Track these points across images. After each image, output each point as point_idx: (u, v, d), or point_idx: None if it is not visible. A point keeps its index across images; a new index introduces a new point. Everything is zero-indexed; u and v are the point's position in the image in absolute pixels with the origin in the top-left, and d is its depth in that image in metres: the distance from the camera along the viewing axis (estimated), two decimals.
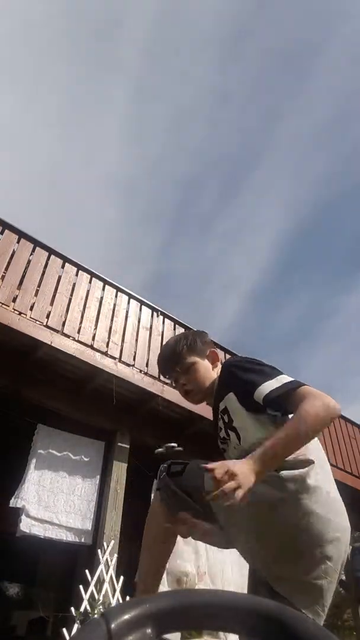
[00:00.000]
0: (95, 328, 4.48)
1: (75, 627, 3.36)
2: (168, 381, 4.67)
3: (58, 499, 3.94)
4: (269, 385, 1.09)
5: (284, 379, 1.11)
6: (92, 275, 4.75)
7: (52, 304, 4.24)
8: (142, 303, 5.11)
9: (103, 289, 4.80)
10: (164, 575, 4.19)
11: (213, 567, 4.57)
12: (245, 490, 0.93)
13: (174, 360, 1.35)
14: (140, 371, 4.61)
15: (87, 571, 3.72)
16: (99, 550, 3.87)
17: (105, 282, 4.84)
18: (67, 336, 4.13)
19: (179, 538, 1.28)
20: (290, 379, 1.11)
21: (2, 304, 3.86)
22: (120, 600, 3.69)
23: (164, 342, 5.02)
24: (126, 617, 0.31)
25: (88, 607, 3.49)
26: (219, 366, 1.37)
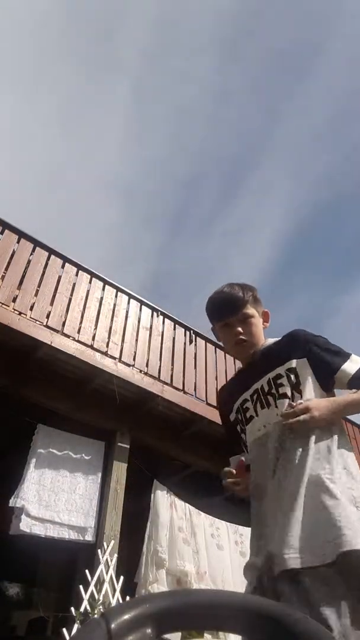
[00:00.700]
0: (95, 328, 4.48)
1: (75, 627, 3.36)
2: (167, 382, 4.70)
3: (59, 497, 3.94)
4: (351, 367, 1.20)
5: (357, 358, 1.22)
6: (92, 275, 4.75)
7: (52, 304, 4.24)
8: (142, 303, 5.12)
9: (103, 289, 4.80)
10: (164, 576, 4.21)
11: (213, 567, 4.58)
12: (313, 414, 1.11)
13: (238, 305, 1.32)
14: (140, 371, 4.61)
15: (87, 571, 3.72)
16: (99, 550, 3.87)
17: (105, 282, 4.84)
18: (67, 336, 4.13)
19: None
20: None
21: (2, 304, 3.86)
22: (120, 600, 3.69)
23: (164, 341, 5.06)
24: (126, 617, 0.31)
25: (88, 607, 3.49)
26: (267, 327, 1.40)
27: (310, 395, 1.20)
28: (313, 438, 1.13)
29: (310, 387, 1.21)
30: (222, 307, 1.35)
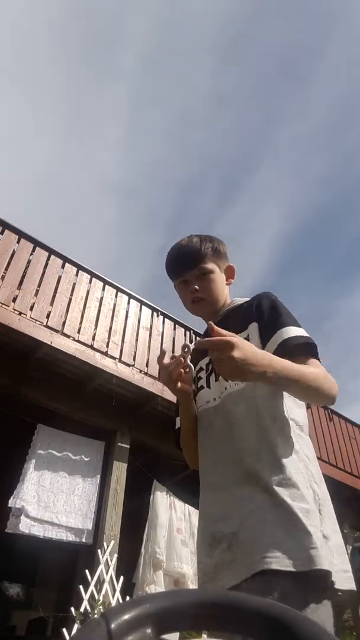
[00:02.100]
0: (95, 328, 4.48)
1: (75, 627, 3.36)
2: None
3: (58, 499, 3.94)
4: (294, 331, 1.01)
5: (307, 334, 1.03)
6: (92, 275, 4.76)
7: (52, 304, 4.24)
8: (142, 303, 5.12)
9: (103, 289, 4.81)
10: (162, 577, 4.21)
11: None
12: (242, 361, 0.85)
13: (194, 260, 1.17)
14: (140, 371, 4.62)
15: (87, 571, 3.72)
16: (99, 550, 3.87)
17: (105, 282, 4.84)
18: (67, 336, 4.13)
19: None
20: (312, 340, 1.03)
21: (2, 304, 3.86)
22: (120, 600, 3.69)
23: (164, 341, 5.06)
24: (126, 617, 0.31)
25: (88, 607, 3.49)
26: (231, 283, 1.25)
27: None
28: (259, 411, 0.98)
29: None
30: (177, 262, 1.21)
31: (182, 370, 1.05)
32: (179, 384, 1.07)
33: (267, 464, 0.94)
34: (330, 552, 0.87)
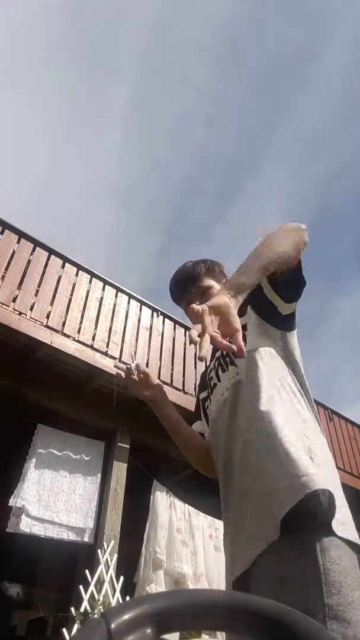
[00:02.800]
0: (95, 328, 4.48)
1: (75, 627, 3.36)
2: (167, 382, 4.70)
3: (59, 498, 3.94)
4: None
5: None
6: (92, 275, 4.76)
7: (52, 304, 4.24)
8: (142, 303, 5.12)
9: (103, 289, 4.81)
10: (162, 577, 4.21)
11: (210, 569, 4.58)
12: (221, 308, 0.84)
13: (190, 281, 1.28)
14: None
15: (87, 571, 3.72)
16: (99, 550, 3.87)
17: (105, 282, 4.84)
18: (67, 336, 4.13)
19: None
20: None
21: (2, 304, 3.86)
22: (120, 600, 3.69)
23: (164, 341, 5.06)
24: (126, 617, 0.31)
25: (88, 607, 3.49)
26: None
27: (252, 341, 1.05)
28: (264, 389, 0.99)
29: (253, 332, 1.07)
30: (176, 287, 1.32)
31: (134, 376, 1.14)
32: (139, 390, 1.17)
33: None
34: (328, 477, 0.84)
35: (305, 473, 0.82)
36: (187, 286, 1.28)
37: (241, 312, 1.08)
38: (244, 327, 1.06)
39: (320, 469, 0.86)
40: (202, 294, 1.25)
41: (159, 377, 4.67)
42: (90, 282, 4.71)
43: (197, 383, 1.39)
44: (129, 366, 1.17)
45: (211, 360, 1.24)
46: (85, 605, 3.50)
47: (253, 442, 0.95)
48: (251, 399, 0.99)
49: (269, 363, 1.04)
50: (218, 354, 1.19)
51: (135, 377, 1.18)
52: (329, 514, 0.80)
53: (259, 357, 1.04)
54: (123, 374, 1.16)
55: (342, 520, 0.82)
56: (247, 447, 0.97)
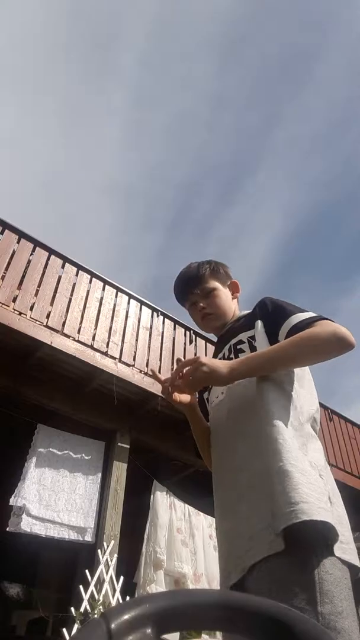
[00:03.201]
0: (95, 328, 4.48)
1: (75, 627, 3.36)
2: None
3: (59, 497, 3.95)
4: (301, 316, 1.04)
5: (311, 313, 1.06)
6: (92, 275, 4.75)
7: (52, 304, 4.24)
8: (142, 303, 5.12)
9: (103, 289, 4.80)
10: (162, 577, 4.21)
11: (210, 569, 4.58)
12: (210, 368, 1.00)
13: (195, 282, 1.29)
14: (140, 371, 4.62)
15: (87, 571, 3.72)
16: (99, 550, 3.87)
17: (105, 282, 4.84)
18: (67, 336, 4.13)
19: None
20: (320, 314, 1.05)
21: (2, 304, 3.86)
22: (120, 600, 3.69)
23: (164, 341, 5.06)
24: (126, 617, 0.31)
25: (88, 607, 3.49)
26: (238, 298, 1.35)
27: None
28: (265, 394, 1.00)
29: (262, 340, 1.09)
30: (181, 288, 1.33)
31: (177, 382, 1.10)
32: (178, 397, 1.14)
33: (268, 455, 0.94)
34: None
35: (308, 500, 0.83)
36: (191, 287, 1.29)
37: (249, 326, 1.16)
38: (252, 338, 1.12)
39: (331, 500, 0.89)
40: (206, 296, 1.28)
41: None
42: (90, 282, 4.71)
43: None
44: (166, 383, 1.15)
45: (217, 353, 1.27)
46: (85, 605, 3.50)
47: (257, 447, 0.96)
48: (257, 406, 1.00)
49: (272, 377, 1.04)
50: (220, 355, 1.22)
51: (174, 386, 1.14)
52: (332, 538, 0.83)
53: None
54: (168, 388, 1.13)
55: (342, 540, 0.85)
56: (250, 450, 0.98)
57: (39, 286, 4.24)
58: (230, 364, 1.02)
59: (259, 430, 0.96)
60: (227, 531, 0.98)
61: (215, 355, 1.26)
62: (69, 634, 3.28)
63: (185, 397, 1.16)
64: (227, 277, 1.34)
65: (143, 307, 5.11)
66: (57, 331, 4.07)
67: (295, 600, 0.76)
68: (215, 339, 1.36)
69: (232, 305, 1.32)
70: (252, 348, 1.10)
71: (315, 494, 0.85)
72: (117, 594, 3.74)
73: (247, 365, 1.02)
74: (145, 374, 4.63)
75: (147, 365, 4.71)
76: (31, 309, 4.07)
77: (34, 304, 4.11)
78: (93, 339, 4.40)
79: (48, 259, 4.46)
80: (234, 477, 1.00)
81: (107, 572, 3.76)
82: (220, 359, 1.18)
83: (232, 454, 1.02)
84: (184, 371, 1.05)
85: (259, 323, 1.12)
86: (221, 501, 1.05)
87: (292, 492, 0.83)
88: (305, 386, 1.08)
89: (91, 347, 4.29)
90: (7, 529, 3.73)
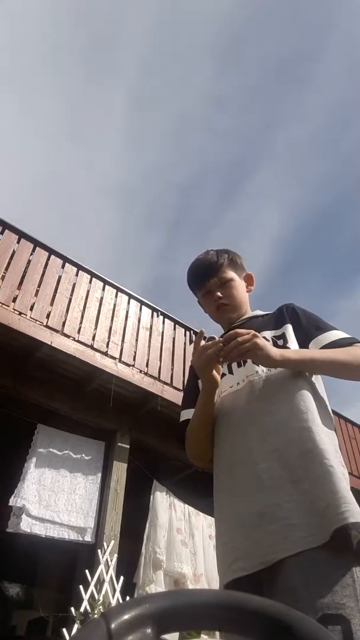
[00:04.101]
0: (95, 328, 4.48)
1: (75, 627, 3.36)
2: (167, 382, 4.71)
3: (59, 497, 3.94)
4: (340, 334, 1.10)
5: (340, 332, 1.12)
6: (92, 275, 4.75)
7: (52, 304, 4.24)
8: (142, 303, 5.12)
9: (103, 289, 4.80)
10: (162, 577, 4.21)
11: (209, 570, 4.58)
12: (264, 344, 0.99)
13: (212, 270, 1.25)
14: (140, 371, 4.62)
15: (87, 571, 3.72)
16: (99, 550, 3.87)
17: (105, 282, 4.84)
18: (67, 336, 4.13)
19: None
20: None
21: (2, 304, 3.86)
22: (120, 600, 3.69)
23: (164, 341, 5.06)
24: (126, 617, 0.31)
25: (88, 607, 3.49)
26: (251, 291, 1.33)
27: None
28: (292, 388, 1.03)
29: (292, 342, 1.11)
30: (198, 275, 1.29)
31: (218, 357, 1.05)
32: (213, 371, 1.07)
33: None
34: None
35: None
36: (208, 275, 1.26)
37: (274, 326, 1.17)
38: (278, 338, 1.13)
39: None
40: (224, 285, 1.25)
41: (158, 377, 4.67)
42: (90, 282, 4.71)
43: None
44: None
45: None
46: (85, 605, 3.50)
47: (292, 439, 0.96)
48: (294, 399, 1.01)
49: (301, 377, 1.07)
50: (276, 333, 1.19)
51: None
52: None
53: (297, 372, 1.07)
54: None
55: None
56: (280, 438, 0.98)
57: (39, 286, 4.24)
58: (282, 350, 1.03)
59: (296, 423, 0.97)
60: (247, 515, 0.94)
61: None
62: (69, 634, 3.28)
63: (217, 373, 1.09)
64: (243, 269, 1.32)
65: (143, 307, 5.11)
66: (57, 331, 4.07)
67: (335, 597, 0.77)
68: (212, 332, 1.33)
69: (246, 299, 1.30)
70: (277, 346, 1.10)
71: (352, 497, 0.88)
72: (117, 594, 3.74)
73: (299, 356, 1.04)
74: (146, 374, 4.64)
75: (147, 366, 4.71)
76: (31, 309, 4.07)
77: (34, 304, 4.11)
78: (93, 339, 4.40)
79: (48, 259, 4.46)
80: (256, 463, 0.97)
81: (107, 572, 3.76)
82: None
83: (252, 439, 1.00)
84: (237, 341, 1.00)
85: (289, 327, 1.14)
86: (234, 484, 1.01)
87: (344, 493, 0.86)
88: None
89: (91, 347, 4.29)
90: (7, 530, 3.73)
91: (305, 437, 0.94)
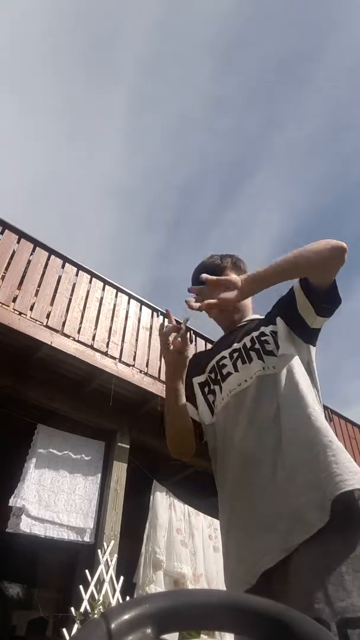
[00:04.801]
0: (95, 328, 4.48)
1: (75, 627, 3.36)
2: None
3: (59, 498, 3.94)
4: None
5: None
6: (92, 275, 4.75)
7: (52, 304, 4.24)
8: (142, 303, 5.12)
9: (103, 289, 4.80)
10: (162, 577, 4.21)
11: (209, 570, 4.58)
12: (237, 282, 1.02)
13: (217, 272, 1.27)
14: (140, 371, 4.62)
15: (87, 571, 3.72)
16: (99, 550, 3.87)
17: (105, 282, 4.84)
18: (67, 336, 4.13)
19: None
20: None
21: (2, 304, 3.86)
22: (120, 600, 3.69)
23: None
24: (126, 617, 0.31)
25: (88, 607, 3.49)
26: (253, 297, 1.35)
27: (284, 347, 1.12)
28: (292, 382, 1.06)
29: (283, 339, 1.13)
30: (202, 272, 1.24)
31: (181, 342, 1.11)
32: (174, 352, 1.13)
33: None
34: None
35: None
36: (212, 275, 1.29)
37: (268, 321, 1.19)
38: (275, 334, 1.15)
39: None
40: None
41: (158, 377, 4.67)
42: (90, 282, 4.71)
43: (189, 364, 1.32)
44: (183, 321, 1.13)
45: (223, 348, 1.24)
46: (85, 605, 3.50)
47: (295, 430, 0.98)
48: (293, 398, 1.03)
49: (300, 369, 1.09)
50: (239, 345, 1.20)
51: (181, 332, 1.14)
52: None
53: (296, 362, 1.09)
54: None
55: None
56: (285, 436, 0.99)
57: (39, 286, 4.24)
58: (242, 283, 1.04)
59: (299, 416, 0.99)
60: (258, 512, 0.94)
61: (223, 347, 1.25)
62: (69, 634, 3.28)
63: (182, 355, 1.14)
64: (245, 272, 1.33)
65: (143, 307, 5.11)
66: (57, 331, 4.07)
67: (353, 598, 0.75)
68: (210, 336, 1.35)
69: (249, 302, 1.34)
70: (276, 342, 1.13)
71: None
72: (117, 594, 3.74)
73: (264, 272, 1.05)
74: (146, 374, 4.63)
75: (147, 366, 4.71)
76: (31, 309, 4.07)
77: (34, 304, 4.11)
78: (93, 339, 4.40)
79: (48, 259, 4.46)
80: (259, 459, 0.98)
81: (107, 572, 3.76)
82: (240, 348, 1.19)
83: (257, 436, 1.02)
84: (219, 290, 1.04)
85: (280, 320, 1.16)
86: (243, 481, 1.01)
87: (347, 463, 0.88)
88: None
89: (91, 347, 4.29)
90: (7, 530, 3.73)
91: (310, 434, 0.96)
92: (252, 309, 1.36)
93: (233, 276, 1.08)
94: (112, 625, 0.31)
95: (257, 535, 0.92)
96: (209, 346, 5.48)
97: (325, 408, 6.66)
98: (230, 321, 1.32)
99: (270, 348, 1.13)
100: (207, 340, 5.46)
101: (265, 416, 1.04)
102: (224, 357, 1.22)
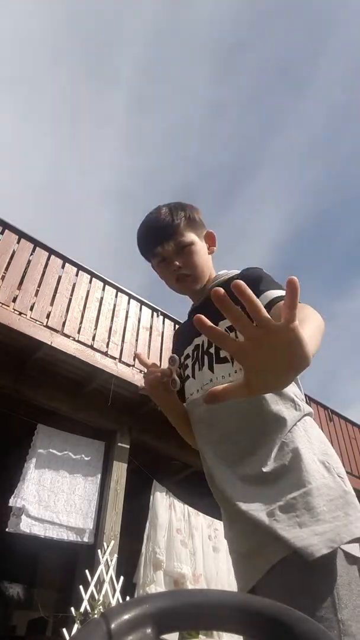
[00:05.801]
0: (95, 328, 4.48)
1: (75, 627, 3.36)
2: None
3: (59, 498, 3.94)
4: (279, 292, 0.89)
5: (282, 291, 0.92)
6: (92, 275, 4.76)
7: (52, 304, 4.24)
8: (142, 303, 5.12)
9: (103, 289, 4.81)
10: (162, 577, 4.21)
11: (209, 570, 4.58)
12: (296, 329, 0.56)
13: (168, 233, 1.04)
14: (140, 371, 4.61)
15: (87, 571, 3.72)
16: (99, 551, 3.87)
17: (105, 282, 4.84)
18: (67, 336, 4.13)
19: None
20: None
21: (2, 304, 3.86)
22: (120, 600, 3.69)
23: (164, 341, 5.06)
24: (126, 617, 0.31)
25: (88, 607, 3.49)
26: (214, 252, 1.13)
27: None
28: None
29: None
30: (149, 239, 1.07)
31: (167, 381, 0.99)
32: (158, 392, 1.02)
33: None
34: None
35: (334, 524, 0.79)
36: (163, 240, 1.04)
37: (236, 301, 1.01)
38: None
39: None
40: (181, 252, 1.05)
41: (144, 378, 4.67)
42: (90, 282, 4.71)
43: (173, 345, 1.22)
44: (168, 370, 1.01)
45: (191, 334, 1.07)
46: (85, 605, 3.50)
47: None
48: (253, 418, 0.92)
49: None
50: (199, 340, 1.04)
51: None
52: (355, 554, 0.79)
53: None
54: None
55: None
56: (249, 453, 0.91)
57: (39, 286, 4.25)
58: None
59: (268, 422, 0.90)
60: (242, 520, 0.88)
61: (195, 332, 1.05)
62: (69, 634, 3.28)
63: (168, 393, 1.02)
64: (203, 226, 1.11)
65: (143, 307, 5.11)
66: (57, 331, 4.07)
67: (317, 610, 0.71)
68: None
69: (210, 263, 1.11)
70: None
71: (335, 508, 0.82)
72: (117, 594, 3.74)
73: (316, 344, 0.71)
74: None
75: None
76: (31, 309, 4.07)
77: (34, 304, 4.11)
78: (93, 339, 4.40)
79: (48, 259, 4.46)
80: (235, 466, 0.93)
81: (107, 572, 3.76)
82: (199, 345, 1.04)
83: (237, 443, 0.94)
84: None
85: None
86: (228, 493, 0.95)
87: (321, 516, 0.79)
88: None
89: (91, 347, 4.29)
90: (7, 530, 3.73)
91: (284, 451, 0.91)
92: (213, 267, 1.13)
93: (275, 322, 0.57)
94: (112, 625, 0.31)
95: (244, 542, 0.91)
96: None
97: (325, 408, 6.66)
98: (192, 292, 1.11)
99: (224, 354, 0.94)
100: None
101: (224, 435, 0.94)
102: (188, 356, 1.08)
